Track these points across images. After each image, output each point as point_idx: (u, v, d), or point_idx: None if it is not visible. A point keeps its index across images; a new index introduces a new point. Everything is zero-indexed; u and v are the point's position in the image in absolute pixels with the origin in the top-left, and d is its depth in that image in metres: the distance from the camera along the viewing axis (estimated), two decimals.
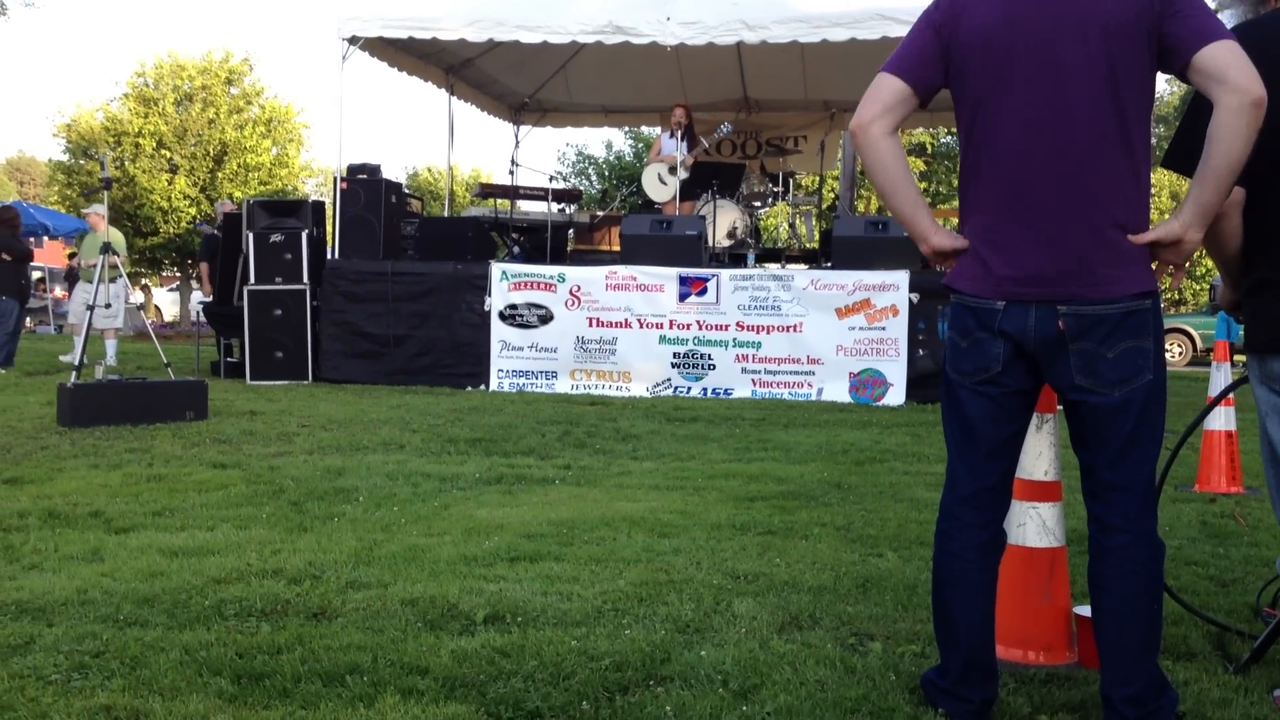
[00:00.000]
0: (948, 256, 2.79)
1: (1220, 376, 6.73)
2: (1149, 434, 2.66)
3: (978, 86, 2.68)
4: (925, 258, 2.89)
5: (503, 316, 11.58)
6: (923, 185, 39.56)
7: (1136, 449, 2.65)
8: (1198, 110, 2.70)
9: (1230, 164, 2.46)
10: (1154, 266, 2.63)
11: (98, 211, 14.03)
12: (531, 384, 11.48)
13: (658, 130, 15.99)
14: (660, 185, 13.52)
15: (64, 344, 17.11)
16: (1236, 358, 7.29)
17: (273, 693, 2.96)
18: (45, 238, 30.83)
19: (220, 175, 32.80)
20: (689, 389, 11.16)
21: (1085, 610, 3.31)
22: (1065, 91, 2.58)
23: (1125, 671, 2.65)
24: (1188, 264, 2.66)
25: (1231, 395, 6.47)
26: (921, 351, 10.88)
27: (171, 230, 32.03)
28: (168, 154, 32.29)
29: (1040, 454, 3.27)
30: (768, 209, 15.31)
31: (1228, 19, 2.94)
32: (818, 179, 19.28)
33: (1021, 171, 2.63)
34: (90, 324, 10.54)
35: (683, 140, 13.18)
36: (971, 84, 2.70)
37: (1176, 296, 35.92)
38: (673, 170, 13.23)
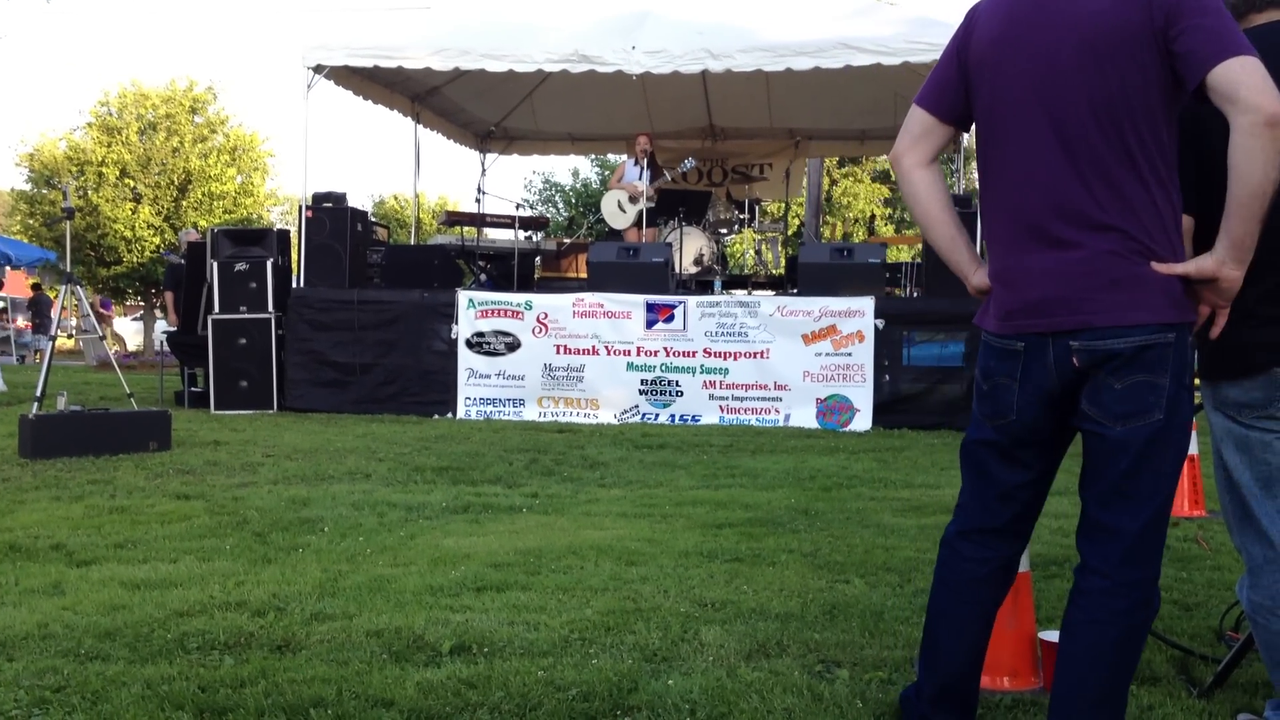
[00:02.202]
0: (987, 294, 2.69)
1: None
2: (1150, 480, 2.47)
3: (983, 109, 2.63)
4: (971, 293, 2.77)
5: (470, 344, 11.56)
6: (887, 211, 39.84)
7: (1132, 492, 2.48)
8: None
9: (1251, 190, 2.29)
10: (1189, 302, 2.48)
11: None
12: (499, 412, 11.45)
13: (624, 158, 16.05)
14: (619, 213, 13.58)
15: (27, 375, 16.93)
16: (1195, 382, 7.37)
17: None
18: (7, 268, 30.56)
19: (185, 204, 32.66)
20: (657, 415, 11.16)
21: (1050, 636, 3.33)
22: (1061, 115, 2.48)
23: None
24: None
25: (1194, 420, 6.53)
26: (887, 377, 10.93)
27: (135, 259, 31.84)
28: (131, 183, 32.14)
29: None
30: (734, 236, 15.39)
31: None
32: (783, 206, 19.40)
33: (1027, 200, 2.53)
34: (52, 354, 10.44)
35: (646, 169, 13.24)
36: (980, 106, 2.64)
37: None
38: (633, 199, 13.28)
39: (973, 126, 2.74)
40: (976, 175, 2.76)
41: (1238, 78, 2.29)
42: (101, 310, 34.77)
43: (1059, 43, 2.48)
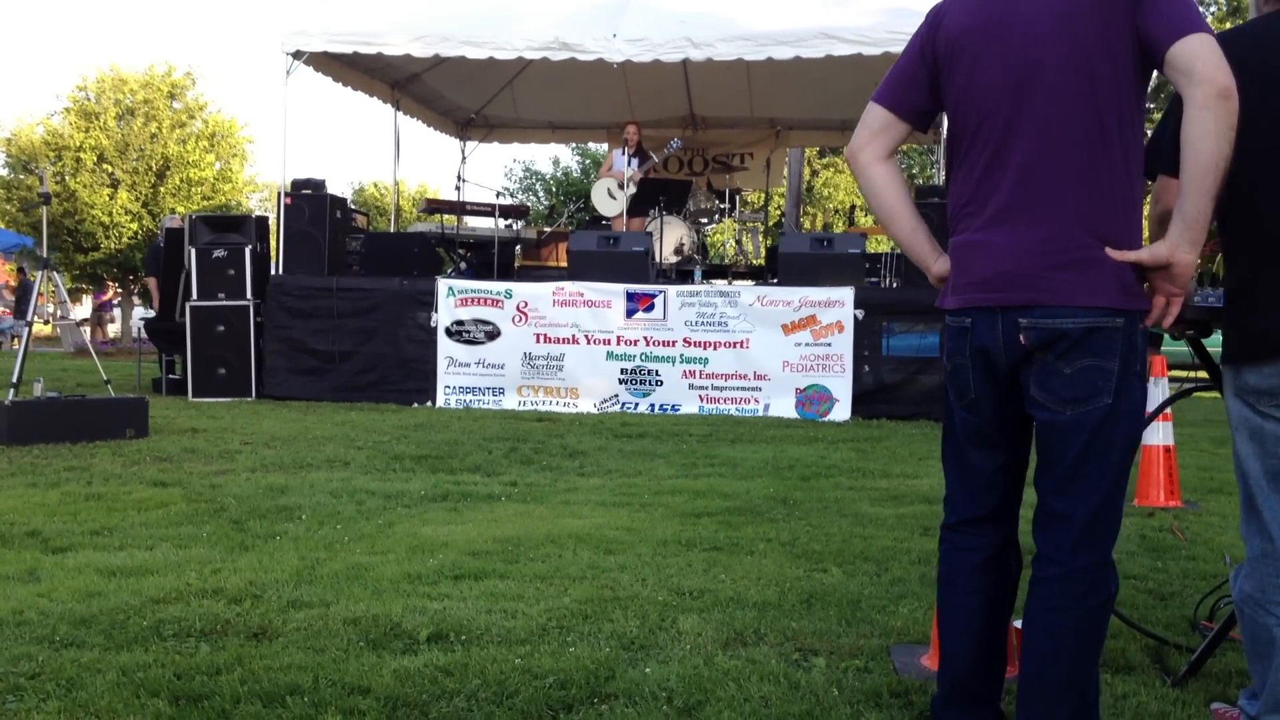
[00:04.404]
0: (948, 282, 2.73)
1: (1157, 392, 6.82)
2: (1099, 464, 2.49)
3: (954, 100, 2.65)
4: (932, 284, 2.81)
5: (449, 332, 11.53)
6: (866, 202, 39.80)
7: (1082, 477, 2.49)
8: (1171, 111, 2.59)
9: (1204, 165, 2.31)
10: (1147, 290, 2.50)
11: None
12: (478, 400, 11.44)
13: (605, 147, 16.03)
14: (610, 200, 13.55)
15: (4, 361, 16.83)
16: (1173, 373, 7.40)
17: (212, 714, 2.92)
18: None
19: (163, 190, 32.44)
20: (636, 405, 11.16)
21: None
22: (1035, 95, 2.50)
23: (1040, 712, 2.51)
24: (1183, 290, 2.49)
25: (1169, 410, 6.57)
26: (866, 368, 10.95)
27: (113, 246, 31.64)
28: (109, 168, 31.91)
29: None
30: (714, 225, 15.38)
31: None
32: (764, 196, 19.40)
33: (994, 179, 2.56)
34: (29, 340, 10.38)
35: (634, 158, 13.23)
36: (950, 97, 2.66)
37: None
38: (622, 186, 13.27)
39: (942, 119, 2.77)
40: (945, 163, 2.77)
41: (1194, 53, 2.34)
42: (101, 312, 34.63)
43: (1037, 25, 2.51)
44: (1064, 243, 2.47)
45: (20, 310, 26.90)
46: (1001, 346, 2.54)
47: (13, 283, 28.91)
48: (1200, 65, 2.32)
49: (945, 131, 2.76)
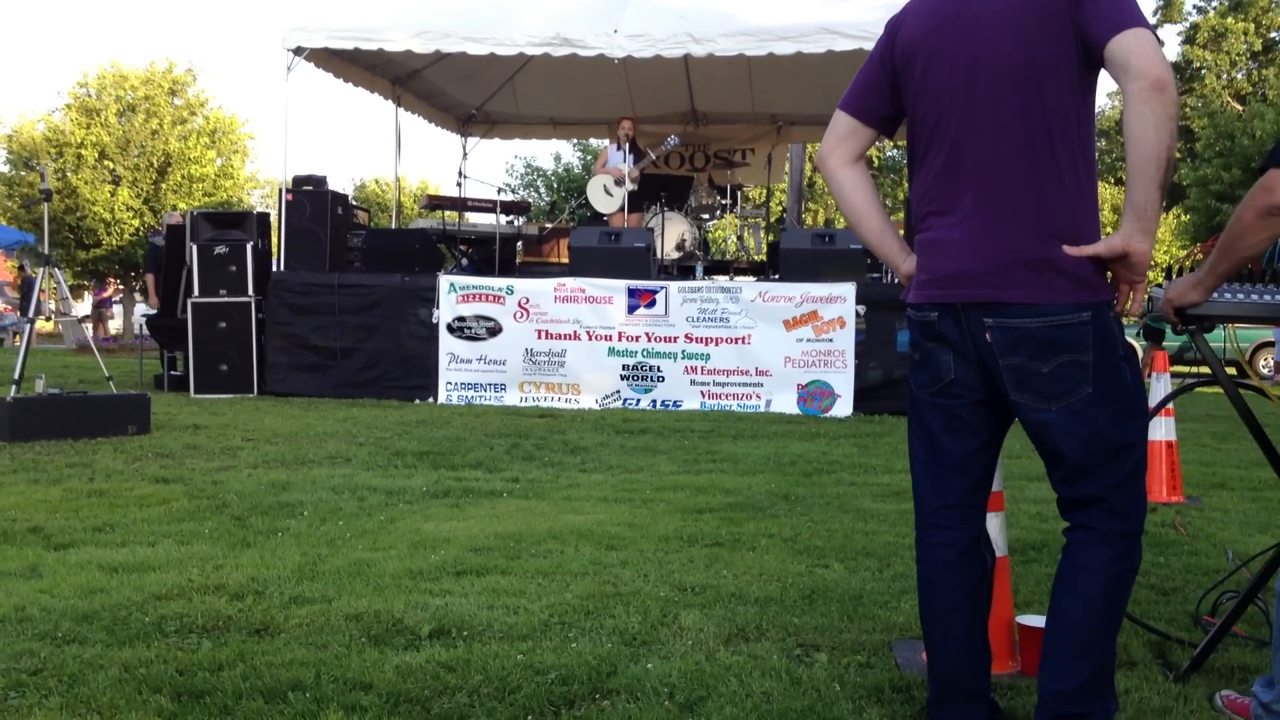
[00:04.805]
0: None
1: (1159, 387, 6.82)
2: (1103, 449, 2.53)
3: (911, 101, 2.69)
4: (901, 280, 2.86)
5: (451, 329, 11.53)
6: None
7: (1091, 468, 2.54)
8: None
9: (1147, 155, 2.34)
10: (1110, 281, 2.53)
11: None
12: (480, 396, 11.44)
13: (606, 142, 16.01)
14: (606, 197, 13.54)
15: (6, 357, 16.83)
16: (1174, 368, 7.40)
17: (213, 710, 2.92)
18: None
19: (164, 187, 32.48)
20: (638, 401, 11.16)
21: (1028, 620, 3.35)
22: (983, 95, 2.54)
23: (1060, 666, 2.56)
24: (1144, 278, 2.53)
25: (1170, 405, 6.56)
26: (868, 363, 10.95)
27: (114, 242, 31.66)
28: (110, 165, 31.95)
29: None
30: (716, 221, 15.38)
31: None
32: (765, 192, 19.39)
33: (949, 180, 2.60)
34: (30, 336, 10.39)
35: (629, 153, 13.21)
36: (909, 99, 2.70)
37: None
38: (619, 182, 13.25)
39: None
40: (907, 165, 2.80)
41: (1129, 47, 2.37)
42: (101, 309, 34.63)
43: (984, 27, 2.55)
44: (1021, 241, 2.51)
45: (24, 307, 26.92)
46: (970, 342, 2.59)
47: (16, 279, 28.88)
48: (1135, 59, 2.35)
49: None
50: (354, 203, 15.69)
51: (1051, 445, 2.57)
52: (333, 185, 12.71)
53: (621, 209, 13.28)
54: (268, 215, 12.93)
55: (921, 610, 2.81)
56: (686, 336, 11.12)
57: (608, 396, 11.21)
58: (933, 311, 2.65)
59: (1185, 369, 20.86)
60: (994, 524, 3.31)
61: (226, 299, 11.81)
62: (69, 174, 31.28)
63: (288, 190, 12.36)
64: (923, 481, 2.79)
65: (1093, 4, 2.42)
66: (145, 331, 14.55)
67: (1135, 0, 2.45)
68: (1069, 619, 2.58)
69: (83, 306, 36.88)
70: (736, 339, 11.04)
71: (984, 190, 2.55)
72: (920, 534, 2.80)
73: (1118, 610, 2.59)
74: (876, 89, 2.78)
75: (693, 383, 11.12)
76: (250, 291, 11.84)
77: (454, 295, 11.55)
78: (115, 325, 36.23)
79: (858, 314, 10.83)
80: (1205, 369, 3.34)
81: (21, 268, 29.78)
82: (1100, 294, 2.51)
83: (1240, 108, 27.17)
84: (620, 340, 11.23)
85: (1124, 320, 2.63)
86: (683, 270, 13.03)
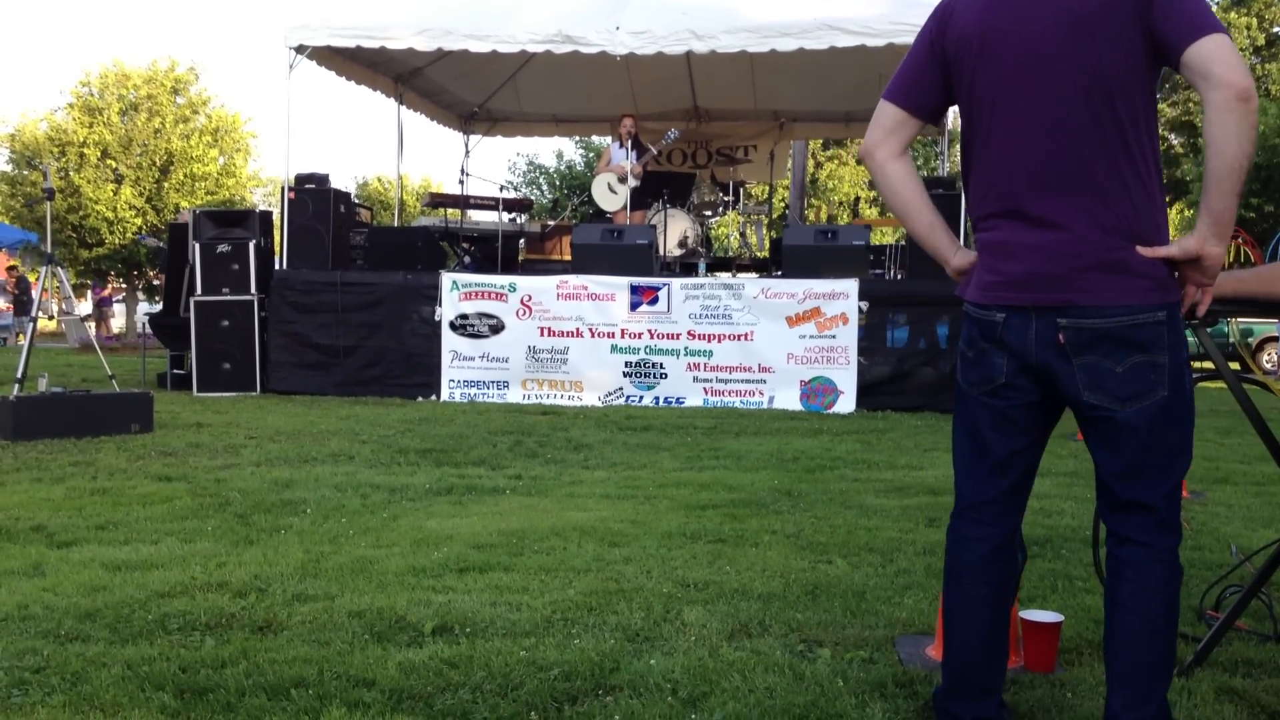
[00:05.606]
0: (968, 274, 2.73)
1: None
2: (1165, 453, 2.53)
3: (967, 95, 2.65)
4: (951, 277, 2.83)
5: (453, 326, 11.53)
6: (871, 194, 39.85)
7: (1150, 470, 2.53)
8: None
9: (1227, 166, 2.33)
10: (1179, 283, 2.51)
11: None
12: (483, 394, 11.44)
13: (608, 139, 16.00)
14: (610, 194, 13.54)
15: (8, 356, 16.85)
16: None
17: (216, 707, 2.92)
18: None
19: (166, 185, 32.49)
20: (641, 398, 11.16)
21: (1031, 615, 3.34)
22: (1051, 94, 2.50)
23: (1142, 693, 2.52)
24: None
25: None
26: (871, 359, 10.95)
27: (117, 241, 31.68)
28: (113, 164, 31.96)
29: None
30: (718, 218, 15.37)
31: None
32: (768, 188, 19.38)
33: (1015, 180, 2.56)
34: (33, 335, 10.39)
35: (631, 150, 13.21)
36: (963, 93, 2.66)
37: None
38: (622, 180, 13.25)
39: (951, 112, 2.75)
40: (960, 158, 2.76)
41: (1211, 54, 2.33)
42: (102, 307, 34.64)
43: (1047, 25, 2.50)
44: (1094, 244, 2.48)
45: (19, 310, 26.92)
46: (1034, 345, 2.55)
47: (11, 280, 28.87)
48: (1218, 68, 2.31)
49: (950, 124, 2.76)
50: (356, 201, 15.70)
51: (1115, 443, 2.54)
52: (335, 183, 12.70)
53: (625, 206, 13.27)
54: (270, 214, 12.94)
55: (945, 601, 2.79)
56: (689, 333, 11.11)
57: (610, 393, 11.21)
58: (999, 313, 2.60)
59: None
60: None
61: (229, 297, 11.81)
62: (71, 173, 31.30)
63: (290, 188, 12.36)
64: (964, 476, 2.76)
65: (1166, 8, 2.39)
66: (148, 330, 14.55)
67: (1207, 3, 2.42)
68: (1139, 645, 2.54)
69: (84, 306, 36.89)
70: (739, 335, 11.04)
71: (1055, 191, 2.51)
72: (956, 526, 2.77)
73: (1175, 627, 2.58)
74: (927, 80, 2.73)
75: (695, 379, 11.12)
76: (253, 290, 11.84)
77: (456, 293, 11.55)
78: (117, 324, 36.25)
79: (860, 310, 10.82)
80: (1209, 364, 3.33)
81: (13, 268, 29.80)
82: (1173, 295, 2.50)
83: None
84: (623, 337, 11.22)
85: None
86: (685, 267, 13.03)
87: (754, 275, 13.00)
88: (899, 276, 12.60)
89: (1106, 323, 2.47)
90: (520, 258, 15.02)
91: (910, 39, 10.18)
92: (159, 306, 17.12)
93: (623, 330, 11.22)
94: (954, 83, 2.68)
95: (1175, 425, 2.53)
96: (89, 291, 36.62)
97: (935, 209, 2.80)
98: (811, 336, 10.92)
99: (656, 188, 13.28)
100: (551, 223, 16.53)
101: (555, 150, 41.82)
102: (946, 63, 2.68)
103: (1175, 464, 2.55)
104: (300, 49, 12.31)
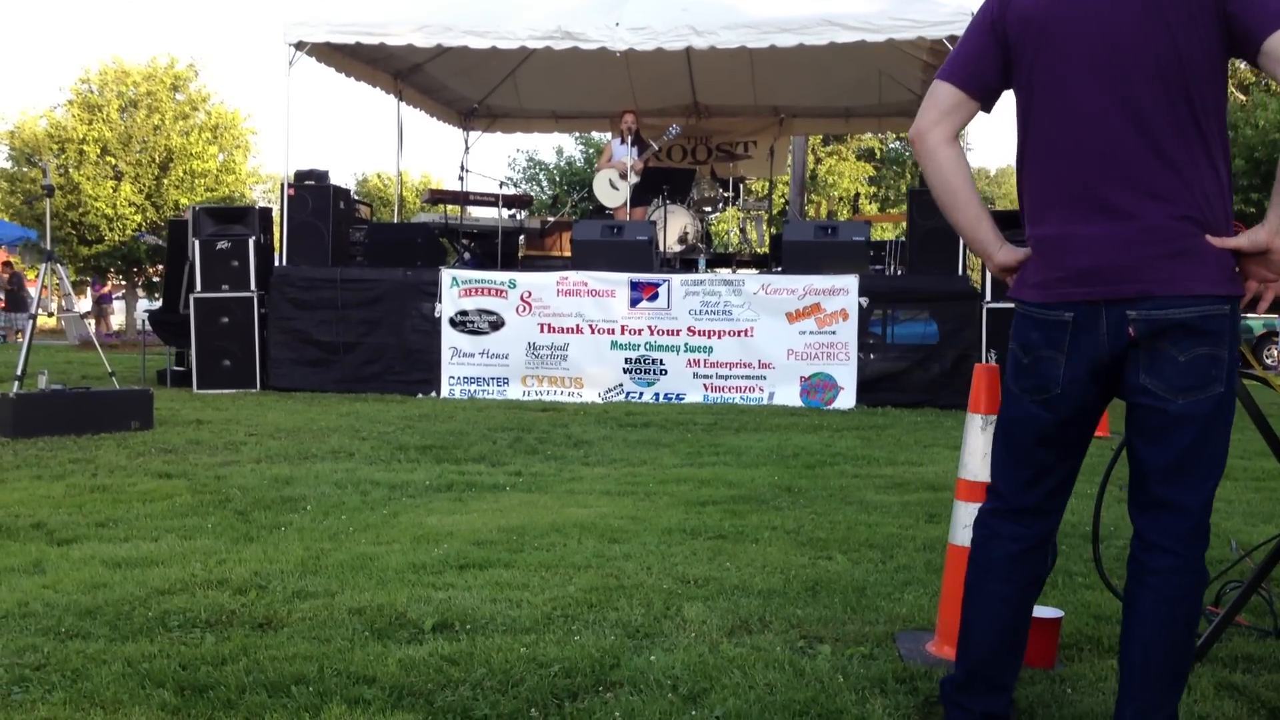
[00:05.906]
0: (1013, 271, 2.65)
1: None
2: (1210, 453, 2.45)
3: (1029, 78, 2.56)
4: (993, 273, 2.71)
5: (453, 323, 11.53)
6: (871, 189, 39.82)
7: (1195, 467, 2.45)
8: None
9: None
10: (1240, 276, 2.44)
11: None
12: (483, 390, 11.44)
13: (608, 136, 16.00)
14: (612, 191, 13.53)
15: (8, 354, 16.84)
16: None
17: (217, 704, 2.92)
18: None
19: (166, 182, 32.45)
20: (641, 394, 11.16)
21: (1035, 611, 3.33)
22: (1124, 79, 2.42)
23: (1154, 702, 2.47)
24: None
25: None
26: (871, 355, 10.95)
27: (117, 238, 31.65)
28: (113, 161, 31.92)
29: (985, 455, 3.26)
30: (718, 214, 15.37)
31: None
32: (768, 184, 19.37)
33: (1082, 167, 2.48)
34: (33, 333, 10.39)
35: (632, 146, 13.20)
36: (1023, 76, 2.57)
37: None
38: (624, 176, 13.24)
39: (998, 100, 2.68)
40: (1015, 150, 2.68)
41: None
42: (102, 304, 34.62)
43: (1120, 11, 2.43)
44: (1166, 232, 2.41)
45: (11, 305, 26.86)
46: (1107, 340, 2.46)
47: (6, 273, 28.80)
48: None
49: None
50: (356, 197, 15.70)
51: (1161, 436, 2.47)
52: (335, 180, 12.70)
53: (626, 203, 13.27)
54: (270, 210, 12.92)
55: (968, 595, 2.72)
56: (689, 329, 11.11)
57: (610, 390, 11.20)
58: (1067, 311, 2.49)
59: None
60: None
61: (229, 294, 11.80)
62: (71, 170, 31.25)
63: (290, 185, 12.35)
64: (1004, 477, 2.69)
65: None
66: (148, 327, 14.54)
67: None
68: (1156, 656, 2.49)
69: (84, 304, 36.87)
70: (739, 331, 11.04)
71: (1123, 180, 2.44)
72: (990, 523, 2.70)
73: (1194, 636, 2.54)
74: (987, 59, 2.62)
75: (695, 375, 11.11)
76: (253, 286, 11.83)
77: (456, 289, 11.55)
78: (117, 321, 36.23)
79: (860, 306, 10.82)
80: None
81: (7, 264, 29.74)
82: (1238, 288, 2.44)
83: (1243, 98, 27.08)
84: (623, 333, 11.22)
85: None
86: (685, 263, 13.03)
87: (754, 271, 13.00)
88: (899, 272, 12.60)
89: (1180, 313, 2.39)
90: (520, 254, 15.01)
91: (910, 34, 10.23)
92: (159, 303, 17.13)
93: (623, 326, 11.22)
94: (1013, 65, 2.59)
95: (1223, 424, 2.46)
96: (89, 288, 36.59)
97: (982, 200, 2.70)
98: (811, 332, 10.92)
99: (656, 184, 13.27)
100: (551, 219, 16.52)
101: (555, 146, 41.86)
102: (1008, 44, 2.58)
103: (1216, 467, 2.47)
104: (300, 45, 12.31)
